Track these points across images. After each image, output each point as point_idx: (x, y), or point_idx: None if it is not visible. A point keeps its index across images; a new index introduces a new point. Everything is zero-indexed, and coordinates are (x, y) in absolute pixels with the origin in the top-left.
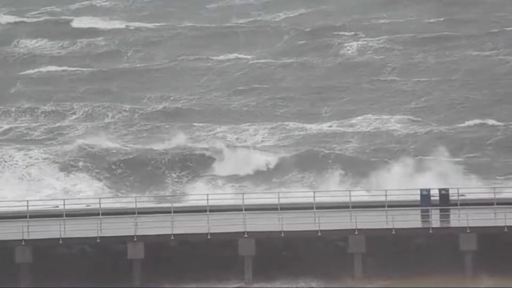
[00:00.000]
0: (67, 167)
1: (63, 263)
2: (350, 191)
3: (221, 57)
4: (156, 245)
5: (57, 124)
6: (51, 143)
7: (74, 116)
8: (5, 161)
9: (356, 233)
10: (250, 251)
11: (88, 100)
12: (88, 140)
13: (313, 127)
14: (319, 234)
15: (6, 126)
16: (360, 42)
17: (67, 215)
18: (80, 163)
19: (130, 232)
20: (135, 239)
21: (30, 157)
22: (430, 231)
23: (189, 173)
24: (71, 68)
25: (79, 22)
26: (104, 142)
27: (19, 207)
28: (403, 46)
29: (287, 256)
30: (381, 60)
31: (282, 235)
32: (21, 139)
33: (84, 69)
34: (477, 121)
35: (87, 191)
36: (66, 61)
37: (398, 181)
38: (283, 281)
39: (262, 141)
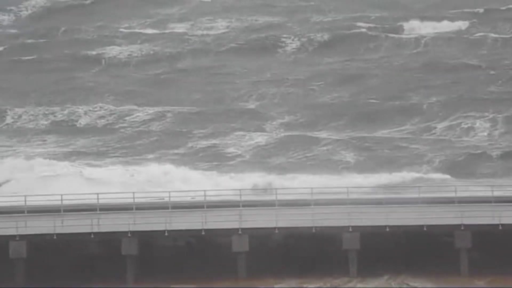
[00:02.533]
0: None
1: (168, 255)
2: (456, 186)
3: None
4: (260, 238)
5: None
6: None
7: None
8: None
9: (462, 228)
10: (354, 245)
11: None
12: None
13: None
14: (425, 229)
15: None
16: None
17: (172, 208)
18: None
19: (234, 225)
20: (240, 232)
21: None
22: None
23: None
24: None
25: None
26: None
27: (126, 199)
28: None
29: (392, 251)
30: None
31: (387, 229)
32: None
33: None
34: None
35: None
36: None
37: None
38: (388, 276)
39: None
